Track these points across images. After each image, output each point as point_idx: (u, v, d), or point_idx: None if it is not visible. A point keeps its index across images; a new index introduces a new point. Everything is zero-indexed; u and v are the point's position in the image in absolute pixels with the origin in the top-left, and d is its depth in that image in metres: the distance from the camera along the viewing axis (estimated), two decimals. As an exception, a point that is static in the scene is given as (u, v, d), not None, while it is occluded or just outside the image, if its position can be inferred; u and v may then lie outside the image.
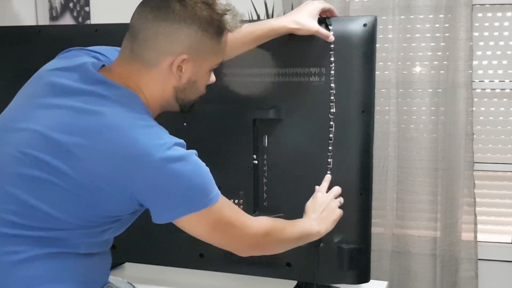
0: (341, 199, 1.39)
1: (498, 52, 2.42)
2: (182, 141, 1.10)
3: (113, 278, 1.30)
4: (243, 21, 1.20)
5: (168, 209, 1.08)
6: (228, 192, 1.45)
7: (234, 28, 1.17)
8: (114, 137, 1.04)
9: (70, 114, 1.07)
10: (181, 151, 1.07)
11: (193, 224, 1.11)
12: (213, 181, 1.11)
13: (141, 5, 1.14)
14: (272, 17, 2.39)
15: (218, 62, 1.20)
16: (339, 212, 1.37)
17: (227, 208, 1.15)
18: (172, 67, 1.13)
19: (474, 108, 2.37)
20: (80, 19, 2.81)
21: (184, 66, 1.13)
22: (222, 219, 1.13)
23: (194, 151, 1.10)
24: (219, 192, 1.13)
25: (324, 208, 1.35)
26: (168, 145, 1.05)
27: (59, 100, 1.10)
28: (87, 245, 1.12)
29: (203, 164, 1.10)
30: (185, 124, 1.46)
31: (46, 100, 1.11)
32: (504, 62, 2.43)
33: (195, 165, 1.08)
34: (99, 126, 1.05)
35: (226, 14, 1.15)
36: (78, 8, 2.80)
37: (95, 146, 1.04)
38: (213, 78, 1.23)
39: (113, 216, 1.11)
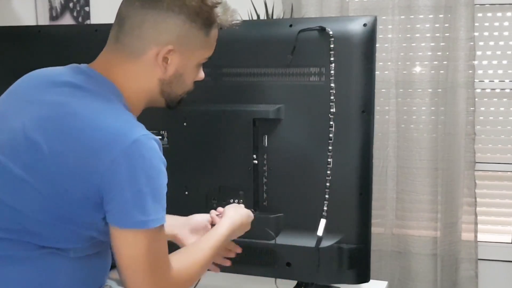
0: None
1: (498, 52, 2.43)
2: (157, 138, 1.05)
3: (113, 279, 1.30)
4: (234, 18, 1.17)
5: (120, 212, 1.01)
6: (228, 192, 1.46)
7: (225, 22, 1.14)
8: (80, 124, 1.01)
9: (46, 108, 1.04)
10: (155, 149, 1.02)
11: (127, 240, 1.02)
12: (165, 203, 1.05)
13: None
14: (272, 17, 2.39)
15: (206, 56, 1.16)
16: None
17: (164, 239, 1.06)
18: (158, 58, 1.09)
19: (473, 108, 2.37)
20: (80, 19, 2.81)
21: (170, 57, 1.10)
22: (156, 245, 1.04)
23: (166, 162, 1.05)
24: (165, 217, 1.05)
25: (246, 226, 1.33)
26: (139, 134, 1.01)
27: (41, 95, 1.08)
28: (76, 250, 1.07)
29: (166, 180, 1.05)
30: (185, 124, 1.46)
31: (31, 96, 1.09)
32: (504, 62, 2.43)
33: (162, 173, 1.03)
34: (66, 115, 1.02)
35: (216, 6, 1.11)
36: (78, 8, 2.81)
37: (63, 137, 1.01)
38: (202, 74, 1.20)
39: (84, 227, 1.05)
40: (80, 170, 0.99)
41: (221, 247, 1.24)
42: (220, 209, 1.35)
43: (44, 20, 2.82)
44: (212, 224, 1.34)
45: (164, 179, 1.04)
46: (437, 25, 2.37)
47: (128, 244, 1.03)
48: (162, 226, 1.05)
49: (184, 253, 1.17)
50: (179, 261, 1.12)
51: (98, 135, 1.00)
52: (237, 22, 1.18)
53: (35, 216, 1.02)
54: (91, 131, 1.00)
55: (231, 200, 1.45)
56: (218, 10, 1.12)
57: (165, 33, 1.08)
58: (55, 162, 1.00)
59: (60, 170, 1.00)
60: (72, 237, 1.05)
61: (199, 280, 1.23)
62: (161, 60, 1.09)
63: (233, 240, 1.36)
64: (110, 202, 1.01)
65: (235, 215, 1.31)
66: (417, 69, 2.42)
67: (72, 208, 1.02)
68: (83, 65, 1.13)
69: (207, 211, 1.46)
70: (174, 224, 1.32)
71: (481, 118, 2.46)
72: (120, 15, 1.11)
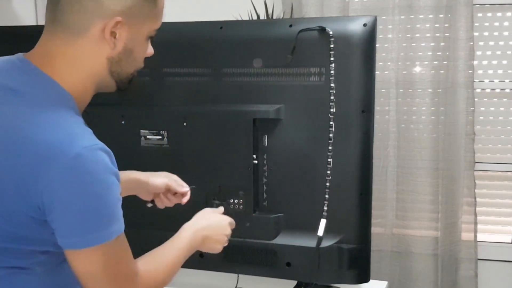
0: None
1: (498, 52, 2.43)
2: (104, 146, 0.94)
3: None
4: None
5: (67, 233, 0.93)
6: (228, 192, 1.46)
7: None
8: (15, 139, 0.91)
9: None
10: (101, 161, 0.92)
11: (81, 259, 0.94)
12: (121, 212, 0.96)
13: None
14: (272, 17, 2.39)
15: (155, 28, 1.04)
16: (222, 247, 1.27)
17: (123, 247, 0.99)
18: (105, 33, 0.96)
19: (473, 108, 2.37)
20: (80, 19, 2.81)
21: (118, 31, 0.97)
22: (114, 257, 0.97)
23: (117, 172, 0.96)
24: (123, 225, 0.96)
25: (221, 233, 1.25)
26: (81, 147, 0.90)
27: None
28: (41, 264, 0.99)
29: (119, 190, 0.96)
30: (185, 124, 1.46)
31: None
32: (504, 62, 2.43)
33: (111, 186, 0.93)
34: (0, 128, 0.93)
35: None
36: (78, 8, 2.80)
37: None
38: (150, 49, 1.08)
39: (37, 244, 0.97)
40: (17, 189, 0.91)
41: (189, 248, 1.17)
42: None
43: (44, 20, 2.82)
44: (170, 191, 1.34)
45: (115, 190, 0.94)
46: (437, 25, 2.37)
47: (82, 262, 0.95)
48: (119, 236, 0.96)
49: (151, 255, 1.12)
50: (147, 262, 1.07)
51: (34, 152, 0.89)
52: None
53: None
54: (27, 147, 0.90)
55: (231, 200, 1.45)
56: None
57: (110, 4, 0.95)
58: None
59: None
60: (28, 255, 0.97)
61: None
62: (109, 35, 0.97)
63: (232, 239, 1.35)
64: (54, 221, 0.92)
65: (199, 220, 1.24)
66: (417, 69, 2.42)
67: (18, 228, 0.94)
68: (18, 58, 1.02)
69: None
70: (134, 188, 1.32)
71: (481, 118, 2.46)
72: None
